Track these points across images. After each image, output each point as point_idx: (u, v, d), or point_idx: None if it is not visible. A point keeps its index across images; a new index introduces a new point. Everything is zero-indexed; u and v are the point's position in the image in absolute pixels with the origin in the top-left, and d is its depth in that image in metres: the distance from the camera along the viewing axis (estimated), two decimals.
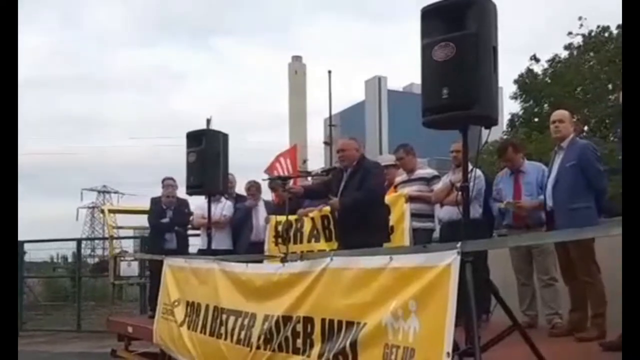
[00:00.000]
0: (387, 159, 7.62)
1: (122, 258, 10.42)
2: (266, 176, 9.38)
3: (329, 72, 28.09)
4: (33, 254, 14.27)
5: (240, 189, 8.33)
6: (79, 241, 14.74)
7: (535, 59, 24.86)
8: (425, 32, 3.68)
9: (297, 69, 52.42)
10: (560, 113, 5.14)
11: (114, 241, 11.45)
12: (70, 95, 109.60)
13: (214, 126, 6.77)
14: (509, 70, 25.00)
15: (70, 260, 16.29)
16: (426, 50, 3.62)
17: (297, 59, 53.19)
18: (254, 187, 8.09)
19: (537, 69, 24.93)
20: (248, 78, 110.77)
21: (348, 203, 5.42)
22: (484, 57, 3.51)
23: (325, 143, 32.28)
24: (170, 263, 6.69)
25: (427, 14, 3.69)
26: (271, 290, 4.70)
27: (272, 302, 4.62)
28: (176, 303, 6.27)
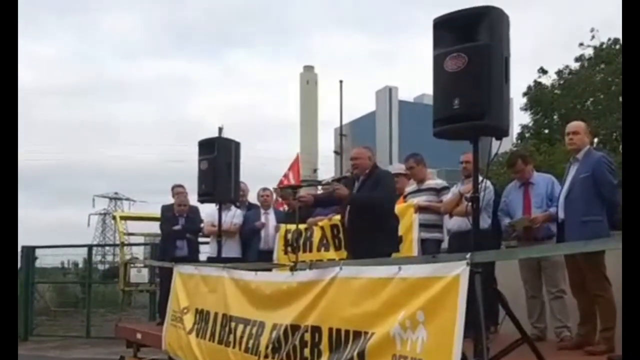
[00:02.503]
0: (397, 168, 7.62)
1: (132, 265, 10.44)
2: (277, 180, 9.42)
3: (341, 82, 28.11)
4: (44, 259, 14.35)
5: (252, 197, 8.36)
6: (89, 247, 14.81)
7: (543, 71, 24.83)
8: (437, 43, 3.70)
9: (308, 79, 52.42)
10: (575, 125, 5.09)
11: (125, 248, 11.50)
12: (84, 102, 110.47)
13: (226, 135, 6.81)
14: (519, 82, 24.98)
15: (80, 266, 16.37)
16: (438, 61, 3.64)
17: (308, 69, 53.24)
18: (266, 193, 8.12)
19: (545, 81, 24.89)
20: (260, 88, 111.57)
21: (357, 199, 5.37)
22: (496, 68, 3.53)
23: (336, 152, 32.25)
24: (180, 270, 6.71)
25: (439, 25, 3.71)
26: (280, 299, 4.70)
27: (280, 310, 4.63)
28: (185, 310, 6.29)
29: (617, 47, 22.83)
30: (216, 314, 5.63)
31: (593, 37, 23.26)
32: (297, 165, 11.42)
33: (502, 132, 3.60)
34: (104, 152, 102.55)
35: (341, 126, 29.01)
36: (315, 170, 35.25)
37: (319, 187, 8.00)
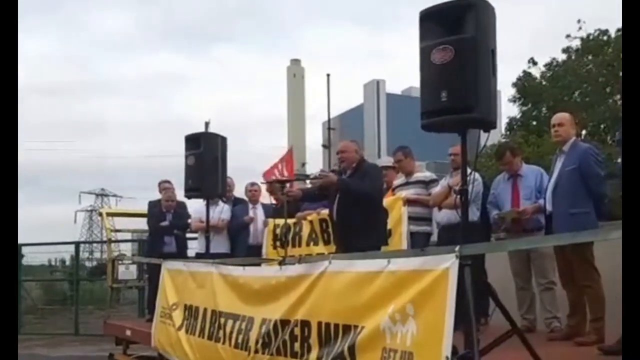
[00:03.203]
0: (385, 160, 7.61)
1: (120, 261, 10.38)
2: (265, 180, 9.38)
3: (328, 75, 28.10)
4: (31, 257, 14.25)
5: (238, 192, 8.33)
6: (77, 244, 14.71)
7: (533, 62, 24.94)
8: (423, 36, 3.67)
9: (295, 73, 52.38)
10: (560, 116, 5.09)
11: (112, 244, 11.43)
12: (69, 99, 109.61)
13: (213, 129, 6.77)
14: (507, 74, 25.08)
15: (68, 263, 16.28)
16: (425, 54, 3.62)
17: (295, 62, 53.16)
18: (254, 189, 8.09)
19: (535, 72, 25.01)
20: (247, 81, 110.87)
21: (344, 185, 5.32)
22: (483, 60, 3.51)
23: (324, 146, 32.24)
24: (169, 266, 6.67)
25: (426, 17, 3.68)
26: (269, 293, 4.69)
27: (269, 305, 4.61)
28: (174, 306, 6.26)
29: (605, 38, 22.97)
30: (205, 310, 5.60)
31: (580, 28, 23.39)
32: (290, 158, 11.37)
33: (489, 124, 3.59)
34: (90, 148, 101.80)
35: (329, 120, 29.01)
36: (303, 164, 35.22)
37: (307, 181, 7.99)
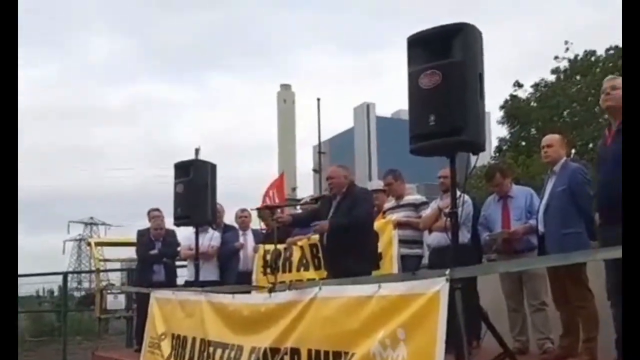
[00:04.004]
0: (375, 184, 7.60)
1: (108, 291, 10.26)
2: (256, 202, 9.35)
3: (318, 99, 28.30)
4: (19, 288, 14.02)
5: (229, 218, 8.27)
6: (65, 275, 14.51)
7: (518, 84, 25.20)
8: (411, 60, 3.70)
9: (285, 98, 52.70)
10: (549, 138, 5.13)
11: (101, 274, 11.31)
12: (59, 127, 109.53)
13: (203, 156, 6.74)
14: (496, 95, 25.30)
15: (56, 294, 16.06)
16: (413, 78, 3.64)
17: (285, 87, 53.52)
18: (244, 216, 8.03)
19: (521, 94, 25.26)
20: (237, 107, 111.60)
21: (336, 226, 5.37)
22: (470, 84, 3.53)
23: (315, 170, 32.30)
24: (157, 295, 6.60)
25: (413, 43, 3.71)
26: (258, 321, 4.63)
27: (259, 333, 4.56)
28: (163, 336, 6.17)
29: (592, 58, 23.29)
30: (194, 339, 5.53)
31: (567, 49, 23.71)
32: (282, 184, 11.35)
33: (478, 147, 3.60)
34: (79, 176, 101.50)
35: (319, 144, 29.11)
36: (294, 189, 35.19)
37: (297, 207, 7.95)
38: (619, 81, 4.12)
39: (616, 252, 2.71)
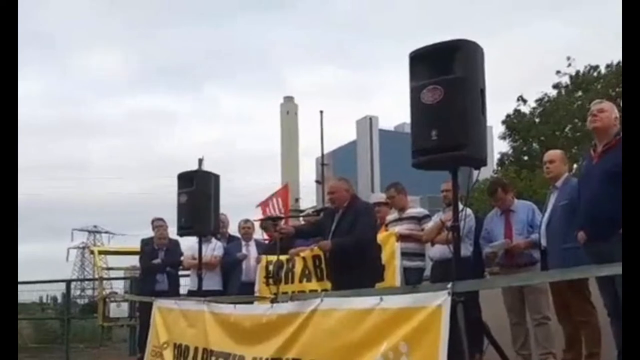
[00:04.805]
0: (378, 197, 7.63)
1: (111, 299, 10.28)
2: (259, 211, 9.38)
3: (321, 112, 28.35)
4: (22, 295, 14.01)
5: (233, 229, 8.30)
6: (68, 282, 14.53)
7: (522, 99, 25.26)
8: (413, 76, 3.73)
9: (289, 110, 52.86)
10: (552, 154, 5.20)
11: (104, 282, 11.33)
12: (63, 138, 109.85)
13: (207, 167, 6.78)
14: (498, 110, 25.36)
15: (59, 301, 16.05)
16: (415, 93, 3.67)
17: (289, 99, 53.70)
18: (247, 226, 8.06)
19: (525, 109, 25.32)
20: (241, 120, 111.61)
21: (339, 247, 5.42)
22: (472, 100, 3.56)
23: (317, 182, 32.33)
24: (160, 305, 6.61)
25: (416, 59, 3.75)
26: (260, 332, 4.65)
27: (261, 344, 4.57)
28: (165, 345, 6.18)
29: (595, 74, 23.34)
30: (196, 349, 5.54)
31: (569, 65, 23.78)
32: (286, 194, 11.36)
33: (480, 162, 3.63)
34: (83, 185, 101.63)
35: (322, 155, 29.11)
36: (297, 200, 35.23)
37: (300, 218, 7.99)
38: (605, 105, 4.35)
39: (616, 269, 2.74)
